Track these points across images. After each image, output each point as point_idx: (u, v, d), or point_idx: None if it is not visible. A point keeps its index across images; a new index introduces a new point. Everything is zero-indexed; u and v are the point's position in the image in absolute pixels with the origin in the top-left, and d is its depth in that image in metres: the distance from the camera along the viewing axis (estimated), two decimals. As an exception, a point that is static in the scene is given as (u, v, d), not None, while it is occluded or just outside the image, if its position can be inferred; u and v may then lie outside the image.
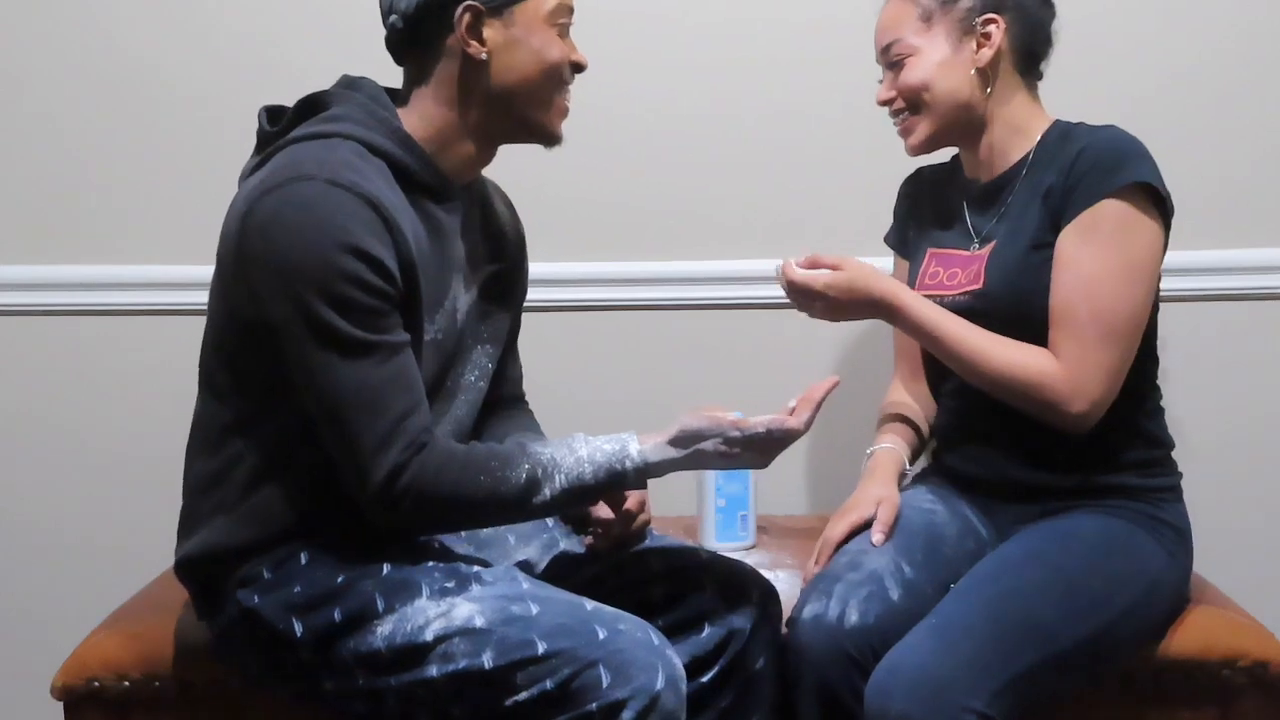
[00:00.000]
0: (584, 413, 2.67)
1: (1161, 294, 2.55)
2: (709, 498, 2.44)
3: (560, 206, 2.61)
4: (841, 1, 2.66)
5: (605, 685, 1.77)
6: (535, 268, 2.27)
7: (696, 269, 2.70)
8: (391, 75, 2.01)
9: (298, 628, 1.87)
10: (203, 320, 2.64)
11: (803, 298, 2.10)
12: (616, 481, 1.89)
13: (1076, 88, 2.57)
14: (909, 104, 2.18)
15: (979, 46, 2.15)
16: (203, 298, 2.63)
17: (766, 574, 2.12)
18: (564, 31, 1.95)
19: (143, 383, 2.71)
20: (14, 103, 2.68)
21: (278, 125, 1.93)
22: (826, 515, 2.37)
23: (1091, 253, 2.05)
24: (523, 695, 1.79)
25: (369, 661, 1.85)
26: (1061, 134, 2.16)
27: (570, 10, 1.95)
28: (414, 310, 1.87)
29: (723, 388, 2.64)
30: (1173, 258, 2.62)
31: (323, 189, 1.79)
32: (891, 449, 2.27)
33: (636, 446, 1.89)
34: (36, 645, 2.45)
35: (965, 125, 2.18)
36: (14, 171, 2.69)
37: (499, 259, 2.09)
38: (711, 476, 2.43)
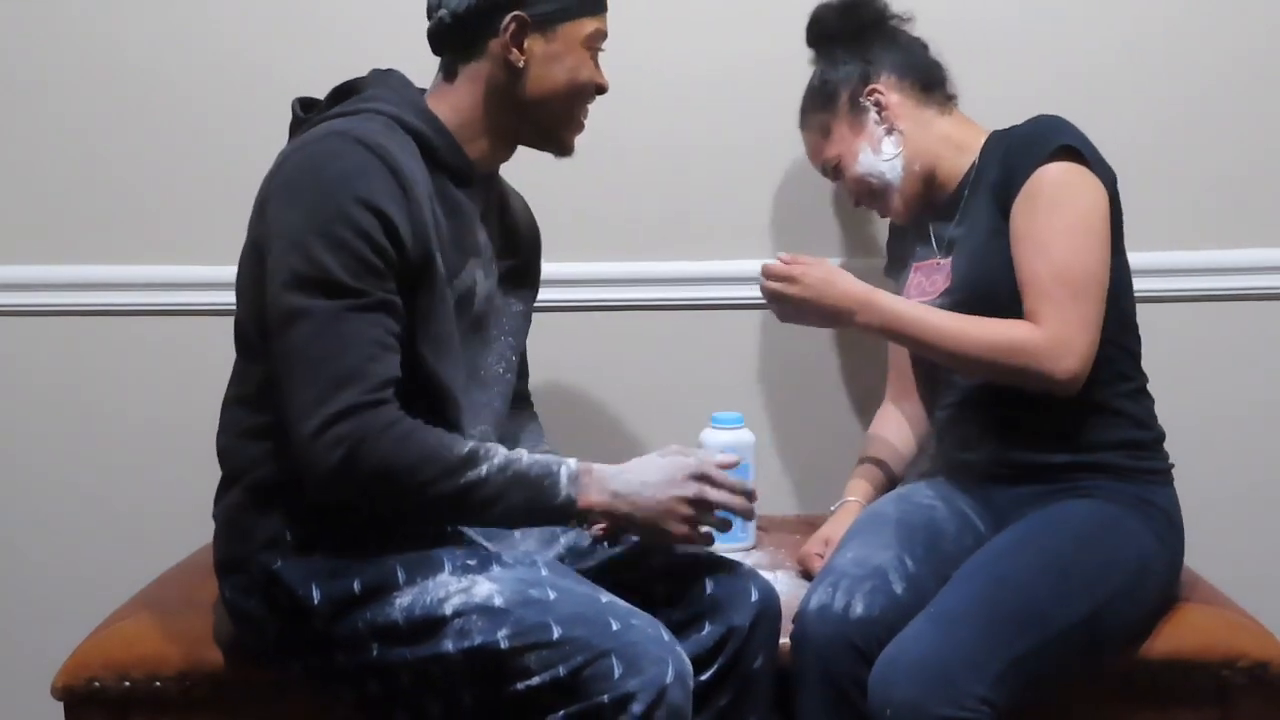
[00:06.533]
0: (583, 412, 2.68)
1: (1160, 294, 2.56)
2: (709, 498, 2.43)
3: (558, 206, 2.61)
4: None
5: (617, 676, 1.79)
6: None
7: (695, 269, 2.69)
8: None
9: (316, 595, 1.89)
10: (204, 320, 2.67)
11: (778, 285, 2.16)
12: (547, 474, 1.88)
13: (1077, 88, 2.58)
14: (872, 192, 2.32)
15: (880, 115, 2.29)
16: (203, 297, 2.67)
17: (766, 574, 2.12)
18: (596, 56, 2.05)
19: (143, 383, 2.70)
20: (15, 103, 2.68)
21: (311, 112, 2.01)
22: (825, 517, 2.39)
23: (1040, 220, 2.13)
24: (535, 680, 1.81)
25: (385, 632, 1.87)
26: (998, 138, 2.27)
27: (605, 36, 2.05)
28: (432, 278, 1.91)
29: (722, 387, 2.64)
30: (1171, 257, 2.64)
31: (350, 144, 1.87)
32: (855, 502, 2.38)
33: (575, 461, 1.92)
34: (36, 645, 2.45)
35: (921, 173, 2.30)
36: (14, 171, 2.69)
37: (513, 254, 2.15)
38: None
